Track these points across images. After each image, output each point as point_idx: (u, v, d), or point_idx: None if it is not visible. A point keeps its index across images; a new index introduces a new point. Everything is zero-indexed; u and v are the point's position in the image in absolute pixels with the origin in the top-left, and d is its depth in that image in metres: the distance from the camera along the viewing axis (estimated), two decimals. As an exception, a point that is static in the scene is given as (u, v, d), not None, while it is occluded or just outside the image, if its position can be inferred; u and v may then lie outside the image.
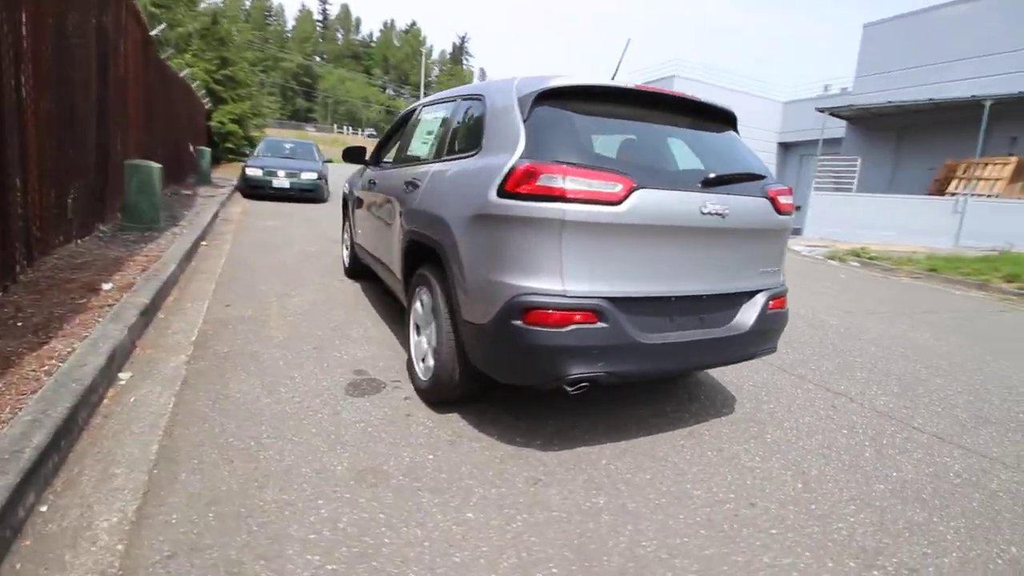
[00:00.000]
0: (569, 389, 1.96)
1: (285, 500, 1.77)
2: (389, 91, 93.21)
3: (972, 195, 11.29)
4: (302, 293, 4.34)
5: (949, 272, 8.63)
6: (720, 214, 2.06)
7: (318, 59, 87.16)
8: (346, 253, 5.09)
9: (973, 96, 11.38)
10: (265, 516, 1.68)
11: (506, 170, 1.93)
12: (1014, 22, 11.92)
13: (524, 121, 2.02)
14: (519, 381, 2.12)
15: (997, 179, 11.18)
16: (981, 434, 2.73)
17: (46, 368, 2.43)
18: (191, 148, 12.53)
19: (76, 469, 1.86)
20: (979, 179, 11.48)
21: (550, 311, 1.86)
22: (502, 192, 1.92)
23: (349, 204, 4.64)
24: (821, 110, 14.28)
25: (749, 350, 2.33)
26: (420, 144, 3.00)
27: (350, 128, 77.46)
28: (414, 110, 3.46)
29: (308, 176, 10.93)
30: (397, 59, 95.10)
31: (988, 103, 10.97)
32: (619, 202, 1.86)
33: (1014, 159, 11.17)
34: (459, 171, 2.26)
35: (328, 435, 2.20)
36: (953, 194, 11.77)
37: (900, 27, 14.38)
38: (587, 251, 1.88)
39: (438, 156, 2.62)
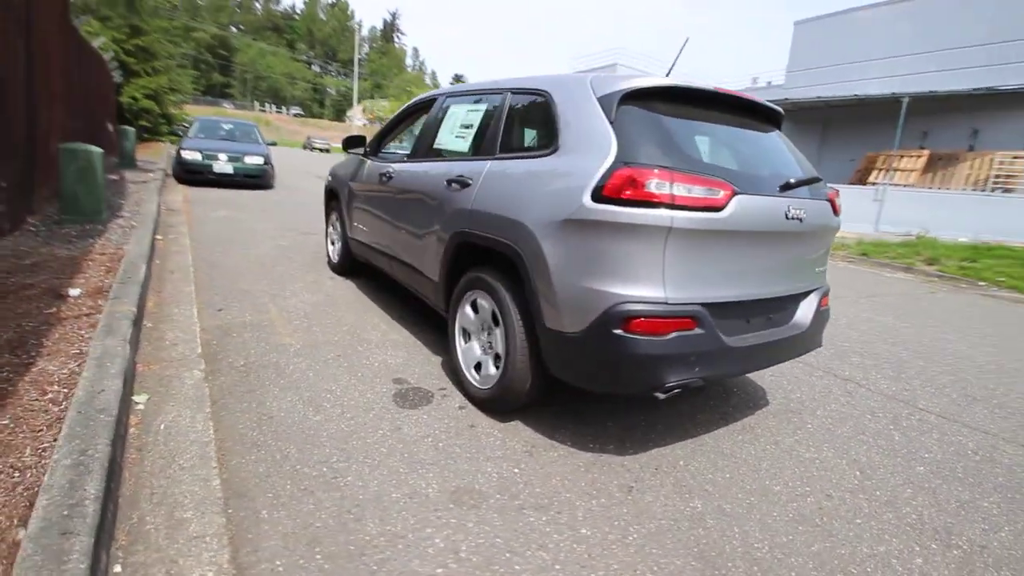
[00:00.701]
0: (661, 395, 1.96)
1: (392, 532, 1.64)
2: (315, 67, 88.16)
3: (890, 184, 12.45)
4: (296, 293, 4.03)
5: (878, 256, 9.51)
6: (800, 218, 2.11)
7: (235, 30, 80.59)
8: (332, 248, 4.78)
9: (892, 93, 12.48)
10: (379, 552, 1.55)
11: (601, 174, 1.87)
12: (923, 27, 13.14)
13: (611, 122, 1.95)
14: (613, 390, 2.09)
15: (912, 170, 12.39)
16: (975, 412, 3.04)
17: (50, 396, 2.10)
18: (110, 127, 11.23)
19: (135, 517, 1.63)
20: (896, 170, 12.66)
21: (653, 319, 1.83)
22: (599, 197, 1.85)
23: (340, 196, 4.33)
24: (758, 103, 15.09)
25: (806, 347, 2.44)
26: (454, 138, 2.83)
27: (274, 106, 72.67)
28: (432, 100, 3.26)
29: (253, 160, 10.13)
30: (324, 34, 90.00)
31: (906, 100, 12.07)
32: (721, 208, 1.85)
33: (926, 152, 12.41)
34: (532, 171, 2.15)
35: (401, 454, 2.06)
36: (874, 184, 12.91)
37: (826, 26, 15.44)
38: (687, 257, 1.87)
39: (489, 153, 2.48)
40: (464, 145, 2.73)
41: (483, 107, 2.70)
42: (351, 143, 3.91)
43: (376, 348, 3.12)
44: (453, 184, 2.58)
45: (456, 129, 2.84)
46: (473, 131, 2.70)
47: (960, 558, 1.80)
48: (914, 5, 13.32)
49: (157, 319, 3.24)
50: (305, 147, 39.33)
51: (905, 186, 12.27)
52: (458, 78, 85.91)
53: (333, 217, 4.68)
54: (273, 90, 76.39)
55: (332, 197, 4.69)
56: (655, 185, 1.77)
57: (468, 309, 2.52)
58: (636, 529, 1.77)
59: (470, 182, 2.46)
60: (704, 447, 2.35)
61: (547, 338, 2.05)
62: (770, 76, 24.89)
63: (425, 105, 3.43)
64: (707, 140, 2.15)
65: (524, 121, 2.47)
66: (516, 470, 2.04)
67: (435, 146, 3.02)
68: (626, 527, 1.77)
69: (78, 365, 2.37)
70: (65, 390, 2.14)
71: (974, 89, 11.58)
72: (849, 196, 13.09)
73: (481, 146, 2.59)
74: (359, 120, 60.12)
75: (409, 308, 3.87)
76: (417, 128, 3.43)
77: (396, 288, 4.30)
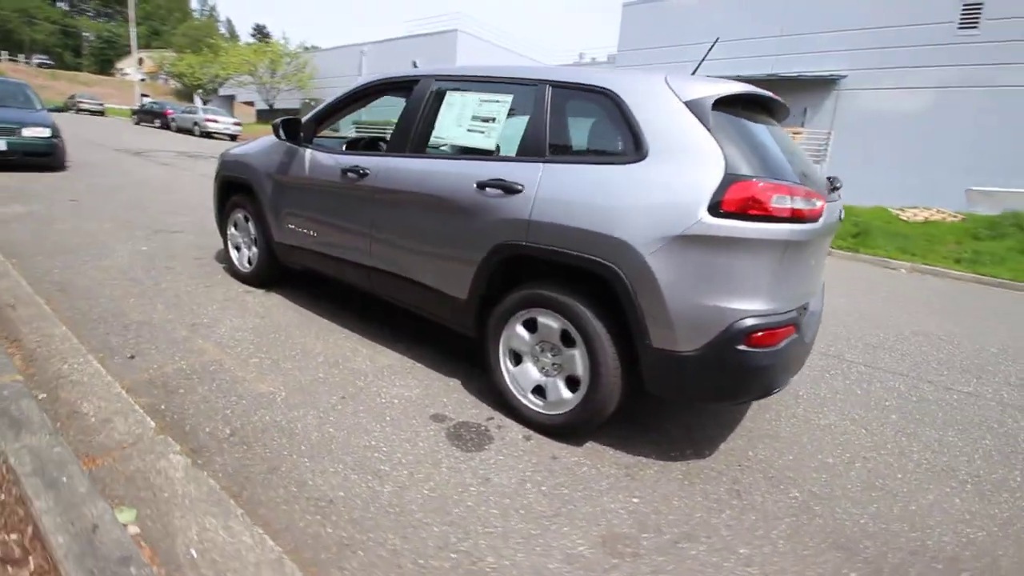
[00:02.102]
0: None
1: (589, 614, 1.44)
2: (63, 5, 69.40)
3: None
4: (220, 318, 3.21)
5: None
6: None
7: (-81, -58, 58.80)
8: (237, 254, 3.90)
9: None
10: (596, 644, 1.35)
11: (715, 187, 1.79)
12: (729, 17, 15.31)
13: (709, 130, 1.87)
14: (724, 402, 2.08)
15: (725, 144, 14.60)
16: (884, 358, 3.77)
17: (21, 551, 1.36)
18: None
19: None
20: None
21: (770, 330, 1.86)
22: (717, 212, 1.78)
23: (256, 192, 3.50)
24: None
25: (818, 328, 2.72)
26: (465, 132, 2.43)
27: (6, 53, 55.56)
28: (411, 82, 2.75)
29: (36, 133, 7.68)
30: (68, -38, 70.75)
31: (719, 83, 14.06)
32: (818, 218, 1.93)
33: (735, 128, 14.72)
34: (619, 180, 1.95)
35: (517, 513, 1.81)
36: (698, 155, 14.92)
37: (651, 10, 17.05)
38: (792, 266, 1.91)
39: (534, 154, 2.19)
40: (486, 141, 2.38)
41: (507, 99, 2.36)
42: (287, 126, 3.14)
43: (378, 379, 2.66)
44: (489, 188, 2.25)
45: (466, 121, 2.46)
46: (497, 126, 2.36)
47: (974, 491, 2.23)
48: (719, -2, 15.45)
49: (47, 385, 2.30)
50: (67, 108, 30.66)
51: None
52: (260, 29, 75.16)
53: (238, 216, 3.80)
54: (3, 33, 58.30)
55: (234, 191, 3.78)
56: (778, 200, 1.77)
57: (520, 329, 2.28)
58: (776, 534, 1.83)
59: (519, 187, 2.16)
60: (752, 433, 2.51)
61: (652, 358, 1.95)
62: (595, 53, 27.07)
63: (396, 87, 2.90)
64: (773, 145, 2.20)
65: (582, 121, 2.24)
66: (636, 499, 1.94)
67: (433, 139, 2.58)
68: (767, 534, 1.82)
69: (-3, 488, 1.57)
70: (15, 535, 1.40)
71: (766, 75, 13.99)
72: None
73: (518, 145, 2.28)
74: (136, 74, 49.26)
75: (374, 321, 3.38)
76: (367, 113, 2.89)
77: (342, 296, 3.71)
